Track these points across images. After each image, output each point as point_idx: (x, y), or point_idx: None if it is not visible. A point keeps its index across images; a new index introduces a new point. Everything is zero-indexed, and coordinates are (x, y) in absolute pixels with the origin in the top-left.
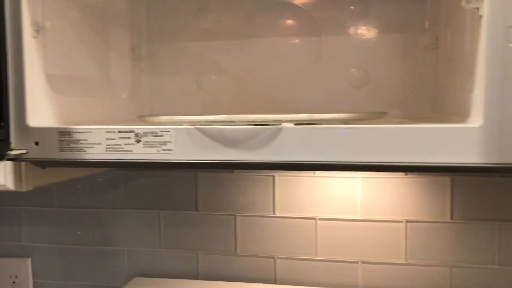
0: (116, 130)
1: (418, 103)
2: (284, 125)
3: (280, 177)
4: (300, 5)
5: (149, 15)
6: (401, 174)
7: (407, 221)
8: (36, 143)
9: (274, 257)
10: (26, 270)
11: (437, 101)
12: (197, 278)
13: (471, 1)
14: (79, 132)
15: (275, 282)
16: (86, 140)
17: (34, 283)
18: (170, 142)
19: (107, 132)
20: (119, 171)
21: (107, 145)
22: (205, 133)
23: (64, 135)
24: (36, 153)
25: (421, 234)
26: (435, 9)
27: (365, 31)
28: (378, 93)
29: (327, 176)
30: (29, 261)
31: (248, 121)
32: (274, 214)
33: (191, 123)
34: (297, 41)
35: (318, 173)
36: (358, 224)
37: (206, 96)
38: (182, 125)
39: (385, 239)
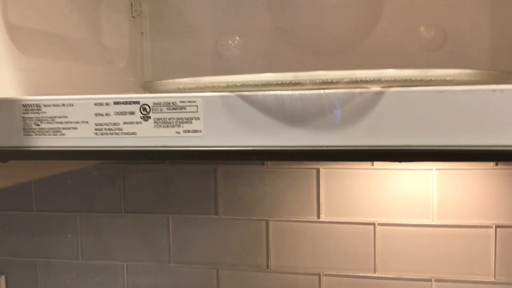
0: (112, 101)
1: None
2: (380, 88)
3: (327, 170)
4: None
5: None
6: (489, 164)
7: (497, 226)
8: None
9: (319, 274)
10: None
11: None
12: None
13: None
14: (55, 105)
15: None
16: (66, 117)
17: None
18: (198, 118)
19: (97, 104)
20: (114, 164)
21: (97, 124)
22: (253, 102)
23: (31, 110)
24: None
25: None
26: None
27: None
28: (457, 56)
29: (390, 168)
30: (2, 279)
31: (323, 81)
32: (318, 218)
33: (229, 87)
34: None
35: (377, 164)
36: (432, 231)
37: (228, 65)
38: (215, 91)
39: (468, 249)
